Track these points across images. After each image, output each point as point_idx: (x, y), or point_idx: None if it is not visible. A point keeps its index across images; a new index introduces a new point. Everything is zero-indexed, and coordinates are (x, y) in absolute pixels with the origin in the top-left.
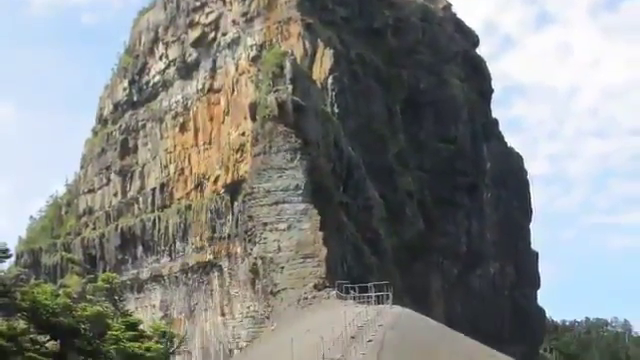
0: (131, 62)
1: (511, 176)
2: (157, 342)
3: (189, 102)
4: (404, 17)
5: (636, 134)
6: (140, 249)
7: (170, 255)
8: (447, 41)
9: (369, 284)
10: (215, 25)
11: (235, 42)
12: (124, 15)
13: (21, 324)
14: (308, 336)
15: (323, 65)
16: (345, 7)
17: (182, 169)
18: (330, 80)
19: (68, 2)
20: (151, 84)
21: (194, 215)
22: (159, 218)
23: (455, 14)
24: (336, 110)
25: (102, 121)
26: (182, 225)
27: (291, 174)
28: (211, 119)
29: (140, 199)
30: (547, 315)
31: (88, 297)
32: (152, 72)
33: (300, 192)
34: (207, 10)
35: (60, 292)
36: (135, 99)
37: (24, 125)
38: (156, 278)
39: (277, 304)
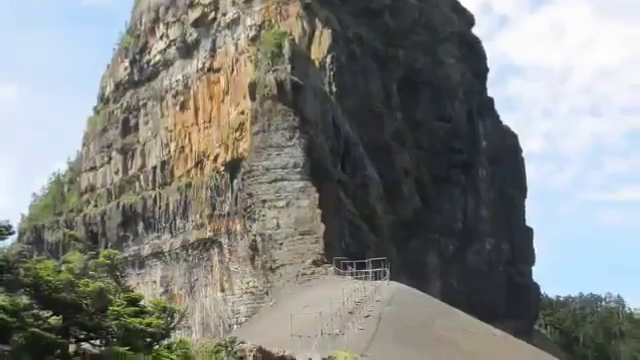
0: (132, 42)
1: (506, 154)
2: (158, 317)
3: (189, 81)
4: None
5: (629, 112)
6: (141, 226)
7: (171, 232)
8: (443, 21)
9: (367, 260)
10: (215, 5)
11: (235, 22)
12: None
13: (24, 300)
14: (307, 311)
15: (321, 45)
16: None
17: (182, 147)
18: (328, 60)
19: None
20: (152, 63)
21: (194, 192)
22: (160, 195)
23: None
24: (334, 89)
25: (103, 100)
26: (182, 202)
27: (290, 152)
28: (211, 98)
29: (141, 177)
30: (542, 291)
31: (90, 273)
32: (153, 52)
33: (298, 170)
34: None
35: (62, 268)
36: (136, 78)
37: (27, 104)
38: (157, 254)
39: (276, 280)
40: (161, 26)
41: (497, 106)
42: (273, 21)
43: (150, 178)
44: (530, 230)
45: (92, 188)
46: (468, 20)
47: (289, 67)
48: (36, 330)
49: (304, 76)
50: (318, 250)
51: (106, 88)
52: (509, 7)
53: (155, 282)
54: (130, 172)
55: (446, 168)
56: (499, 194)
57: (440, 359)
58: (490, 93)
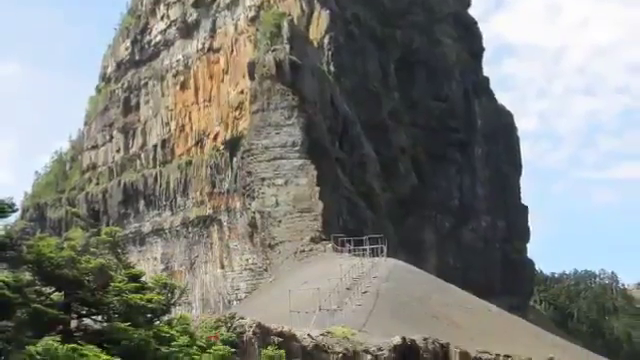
0: (133, 22)
1: (501, 132)
2: (158, 293)
3: (189, 61)
4: None
5: (623, 92)
6: (142, 203)
7: (171, 209)
8: (440, 2)
9: (364, 237)
10: None
11: (234, 3)
12: None
13: (26, 276)
14: (305, 287)
15: (319, 25)
16: None
17: (183, 126)
18: (326, 40)
19: None
20: (153, 44)
21: (194, 170)
22: (160, 173)
23: None
24: (332, 69)
25: (105, 79)
26: (183, 180)
27: (288, 131)
28: (211, 77)
29: (142, 155)
30: (536, 267)
31: (92, 250)
32: (154, 32)
33: (297, 148)
34: None
35: (64, 245)
36: (137, 58)
37: (29, 84)
38: (157, 232)
39: (275, 257)
40: (162, 7)
41: (492, 86)
42: (272, 2)
43: (151, 156)
44: (525, 208)
45: (94, 166)
46: (464, 1)
47: (288, 47)
48: (38, 306)
49: (303, 56)
50: (316, 227)
51: (107, 68)
52: None
53: (156, 259)
54: (131, 150)
55: (442, 146)
56: (494, 172)
57: (437, 334)
58: (486, 73)
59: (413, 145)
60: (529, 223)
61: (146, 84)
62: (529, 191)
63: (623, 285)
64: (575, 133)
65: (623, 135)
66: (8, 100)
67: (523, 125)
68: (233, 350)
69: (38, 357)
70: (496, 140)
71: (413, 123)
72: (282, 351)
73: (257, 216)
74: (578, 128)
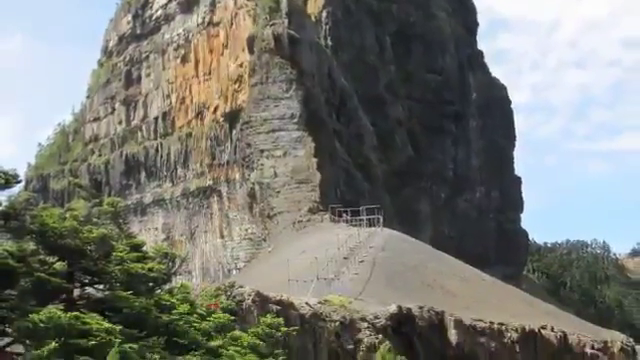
0: None
1: (495, 105)
2: (159, 263)
3: (190, 35)
4: None
5: (614, 65)
6: (143, 175)
7: (172, 180)
8: None
9: (361, 208)
10: None
11: None
12: None
13: (30, 246)
14: (303, 257)
15: (317, 0)
16: None
17: (183, 99)
18: (324, 14)
19: None
20: (154, 18)
21: (194, 142)
22: (161, 145)
23: None
24: (330, 43)
25: (107, 53)
26: (183, 152)
27: (286, 104)
28: (211, 51)
29: (143, 127)
30: (530, 237)
31: (94, 220)
32: (155, 6)
33: (295, 120)
34: None
35: (67, 215)
36: (138, 32)
37: (33, 57)
38: (158, 202)
39: (273, 227)
40: None
41: (487, 59)
42: None
43: (152, 128)
44: (519, 179)
45: (96, 138)
46: None
47: (286, 21)
48: (42, 275)
49: (301, 30)
50: (314, 198)
51: (109, 42)
52: None
53: (157, 229)
54: (133, 123)
55: (438, 119)
56: (489, 144)
57: (432, 303)
58: (480, 46)
59: (409, 117)
60: (523, 194)
61: (147, 57)
62: (523, 162)
63: (615, 255)
64: (567, 105)
65: (615, 108)
66: (12, 74)
67: (517, 98)
68: (232, 318)
69: (41, 325)
70: (490, 112)
71: (409, 96)
72: (280, 319)
73: (256, 187)
74: (571, 100)
